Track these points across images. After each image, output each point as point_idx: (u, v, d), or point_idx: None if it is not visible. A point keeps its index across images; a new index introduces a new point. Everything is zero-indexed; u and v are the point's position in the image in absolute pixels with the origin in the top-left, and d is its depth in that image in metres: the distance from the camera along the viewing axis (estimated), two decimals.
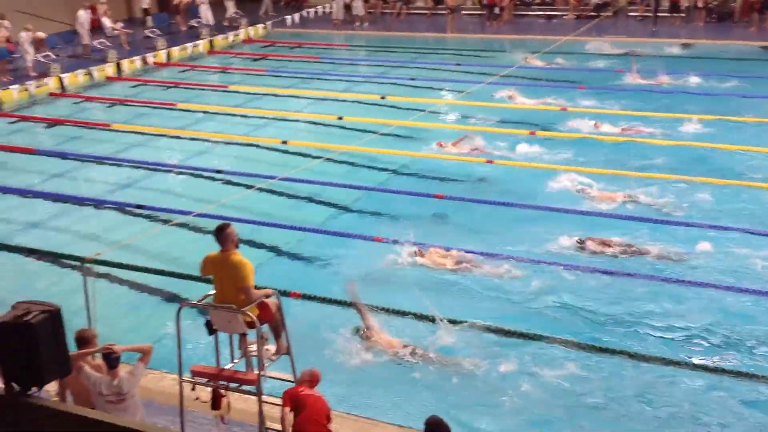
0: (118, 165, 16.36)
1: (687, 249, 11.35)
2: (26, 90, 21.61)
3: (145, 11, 29.53)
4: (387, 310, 9.90)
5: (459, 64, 23.45)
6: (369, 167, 15.52)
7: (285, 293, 9.89)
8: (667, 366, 8.79)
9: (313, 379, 7.21)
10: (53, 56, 24.32)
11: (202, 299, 7.32)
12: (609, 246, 11.39)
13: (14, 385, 4.54)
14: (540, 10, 30.92)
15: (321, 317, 9.95)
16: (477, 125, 17.57)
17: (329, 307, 10.19)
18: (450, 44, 26.74)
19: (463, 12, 31.07)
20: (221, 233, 7.10)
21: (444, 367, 8.87)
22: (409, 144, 16.66)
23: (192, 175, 15.53)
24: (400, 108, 19.06)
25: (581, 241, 11.50)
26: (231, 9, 30.08)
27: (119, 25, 26.88)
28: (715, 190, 13.46)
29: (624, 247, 11.37)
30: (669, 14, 27.97)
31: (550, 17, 30.26)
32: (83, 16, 25.26)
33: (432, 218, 12.92)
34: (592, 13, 29.00)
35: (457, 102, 18.55)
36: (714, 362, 8.84)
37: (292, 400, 6.95)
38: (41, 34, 24.46)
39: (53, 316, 4.56)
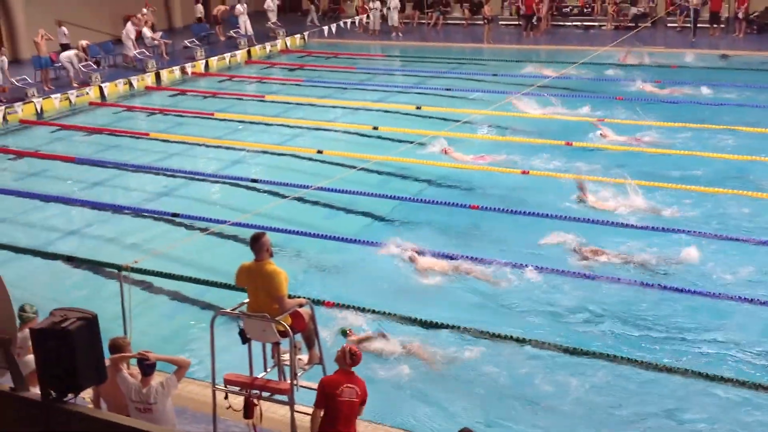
0: (156, 173, 16.56)
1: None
2: (67, 99, 21.99)
3: (199, 20, 29.92)
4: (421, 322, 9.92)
5: (495, 75, 23.38)
6: (404, 177, 15.51)
7: (318, 302, 9.93)
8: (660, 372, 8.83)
9: (354, 361, 6.89)
10: (94, 66, 24.72)
11: (237, 308, 7.37)
12: (602, 254, 11.44)
13: (51, 391, 4.60)
14: (578, 20, 30.73)
15: (352, 327, 9.93)
16: (513, 135, 17.49)
17: (362, 317, 10.18)
18: (486, 54, 26.68)
19: (501, 22, 30.97)
20: (256, 242, 7.16)
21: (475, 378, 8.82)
22: (439, 155, 16.58)
23: (228, 184, 15.66)
24: (436, 118, 19.05)
25: (578, 250, 11.57)
26: (272, 18, 30.28)
27: (159, 35, 27.23)
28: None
29: (619, 256, 11.40)
30: (708, 25, 27.62)
31: (587, 28, 30.07)
32: (130, 27, 25.61)
33: (465, 228, 12.87)
34: (631, 24, 28.75)
35: (493, 113, 18.47)
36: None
37: (327, 399, 6.84)
38: (84, 42, 24.85)
39: (90, 323, 4.61)
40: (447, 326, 9.83)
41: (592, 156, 15.97)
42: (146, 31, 26.60)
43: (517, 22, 30.65)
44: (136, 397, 6.89)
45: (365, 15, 30.94)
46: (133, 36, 25.77)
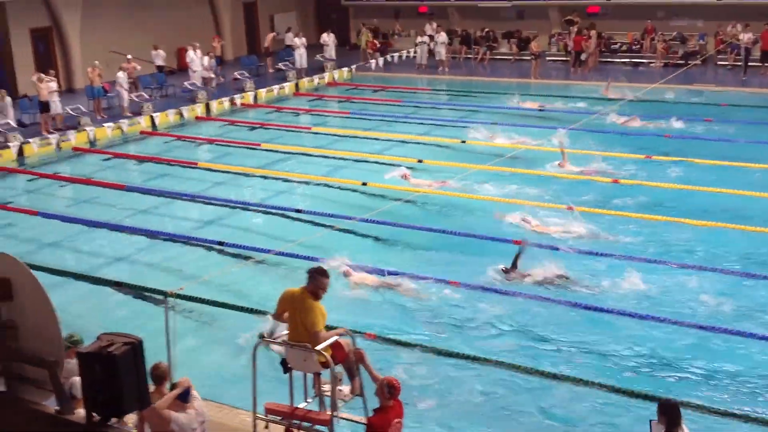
0: (203, 202, 16.80)
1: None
2: (119, 128, 22.48)
3: (266, 50, 30.46)
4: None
5: (542, 109, 23.33)
6: (448, 210, 15.50)
7: (359, 333, 9.91)
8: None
9: (393, 394, 6.86)
10: (146, 96, 25.29)
11: (279, 337, 7.41)
12: (529, 275, 12.09)
13: (95, 414, 4.66)
14: (626, 57, 30.59)
15: (394, 358, 9.91)
16: (557, 171, 17.40)
17: (404, 351, 10.14)
18: (533, 90, 26.64)
19: (548, 58, 30.98)
20: (314, 275, 7.15)
21: None
22: (485, 188, 16.55)
23: (273, 213, 15.80)
24: (481, 152, 19.03)
25: (506, 270, 12.25)
26: (328, 52, 30.66)
27: (208, 61, 27.62)
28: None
29: (545, 277, 12.03)
30: (760, 63, 27.28)
31: (636, 65, 29.91)
32: (192, 55, 26.14)
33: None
34: (680, 61, 28.54)
35: (537, 147, 18.42)
36: None
37: None
38: (136, 66, 25.41)
39: (135, 349, 4.68)
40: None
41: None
42: (206, 61, 27.10)
43: (564, 58, 30.63)
44: (196, 424, 6.98)
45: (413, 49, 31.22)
46: (196, 66, 26.30)
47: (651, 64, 29.48)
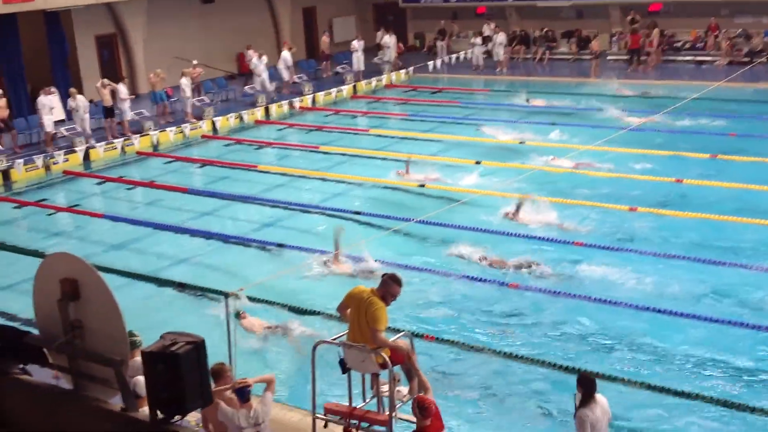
0: (263, 204, 17.00)
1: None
2: (181, 132, 22.91)
3: (323, 53, 30.80)
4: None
5: (600, 109, 22.99)
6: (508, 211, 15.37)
7: (418, 336, 9.92)
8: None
9: (425, 414, 6.80)
10: (207, 100, 25.72)
11: (338, 337, 7.46)
12: (504, 263, 12.77)
13: (158, 412, 4.75)
14: (690, 55, 29.93)
15: (452, 361, 9.88)
16: (620, 172, 17.12)
17: (463, 353, 10.11)
18: (593, 89, 26.27)
19: (609, 57, 30.48)
20: (388, 280, 7.21)
21: None
22: (546, 188, 16.38)
23: (331, 215, 15.89)
24: (540, 153, 18.84)
25: (483, 258, 12.92)
26: (387, 55, 30.77)
27: (291, 59, 27.98)
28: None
29: (518, 264, 12.68)
30: None
31: (700, 63, 29.24)
32: (287, 55, 26.55)
33: (571, 263, 12.66)
34: (745, 59, 27.81)
35: (598, 148, 18.16)
36: None
37: None
38: (199, 69, 25.83)
39: (197, 348, 4.76)
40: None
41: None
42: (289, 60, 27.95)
43: (625, 57, 30.10)
44: (245, 423, 7.11)
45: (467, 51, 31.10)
46: (290, 64, 26.76)
47: (715, 62, 28.79)
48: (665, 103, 21.98)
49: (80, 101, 21.85)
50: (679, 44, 30.42)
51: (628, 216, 14.64)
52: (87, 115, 22.06)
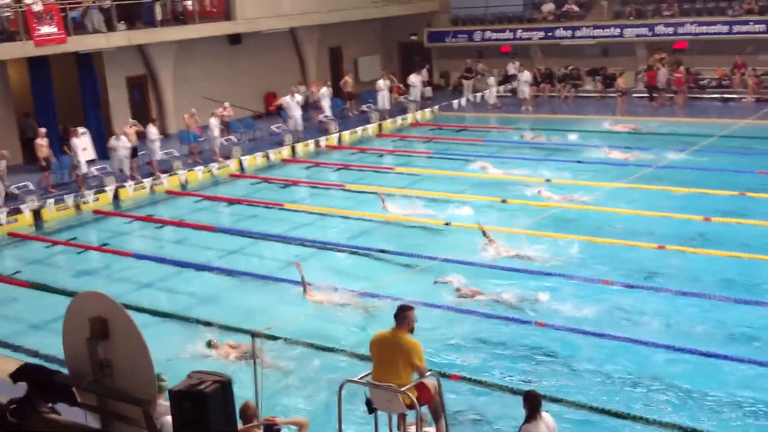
0: (289, 243, 17.09)
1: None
2: (209, 171, 23.18)
3: (348, 92, 31.14)
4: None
5: (628, 147, 22.93)
6: (532, 249, 15.32)
7: (445, 375, 9.86)
8: None
9: None
10: (235, 140, 26.04)
11: (364, 377, 7.45)
12: (480, 294, 13.08)
13: None
14: (716, 93, 29.81)
15: (480, 401, 9.80)
16: (648, 209, 17.03)
17: (489, 393, 10.03)
18: (619, 127, 26.24)
19: (634, 95, 30.43)
20: (401, 313, 7.29)
21: None
22: (571, 226, 16.33)
23: (357, 253, 15.93)
24: (566, 191, 18.81)
25: (458, 289, 13.18)
26: (412, 94, 31.06)
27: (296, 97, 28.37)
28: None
29: (493, 296, 12.98)
30: None
31: (726, 100, 29.12)
32: (288, 100, 26.92)
33: (597, 301, 12.56)
34: None
35: (626, 185, 18.10)
36: None
37: None
38: (229, 111, 26.14)
39: (224, 387, 4.77)
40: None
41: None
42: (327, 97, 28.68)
43: (653, 95, 29.99)
44: None
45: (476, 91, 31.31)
46: (296, 112, 27.00)
47: (742, 100, 28.66)
48: (693, 140, 21.90)
49: (122, 141, 22.24)
50: (704, 82, 30.35)
51: (656, 254, 14.54)
52: (127, 155, 22.43)
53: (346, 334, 12.03)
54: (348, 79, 31.23)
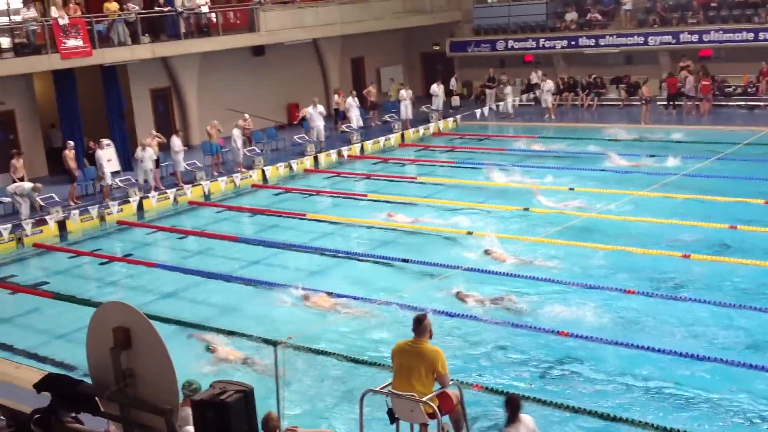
0: (311, 252, 17.11)
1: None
2: (232, 182, 23.30)
3: (371, 102, 31.23)
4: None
5: (653, 156, 22.76)
6: (554, 258, 15.25)
7: (467, 385, 9.81)
8: None
9: None
10: (257, 150, 26.17)
11: (386, 386, 7.43)
12: (479, 299, 13.26)
13: None
14: (741, 100, 29.52)
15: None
16: (673, 218, 16.88)
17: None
18: (643, 136, 26.07)
19: (659, 103, 30.19)
20: (420, 324, 7.32)
21: None
22: (594, 235, 16.23)
23: (379, 263, 15.92)
24: (590, 200, 18.71)
25: (459, 294, 13.37)
26: (435, 104, 31.10)
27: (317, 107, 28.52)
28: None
29: (492, 300, 13.19)
30: None
31: (752, 108, 28.83)
32: (311, 111, 27.03)
33: (624, 310, 12.46)
34: None
35: (650, 194, 17.96)
36: None
37: None
38: (249, 123, 26.25)
39: (246, 396, 4.79)
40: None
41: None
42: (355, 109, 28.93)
43: (678, 103, 29.73)
44: None
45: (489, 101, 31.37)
46: (318, 122, 27.09)
47: None
48: (718, 148, 21.71)
49: (148, 152, 22.43)
50: (730, 89, 30.08)
51: (681, 263, 14.40)
52: (152, 166, 22.62)
53: (368, 344, 11.99)
54: (371, 89, 31.32)
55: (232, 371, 11.30)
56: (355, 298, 13.67)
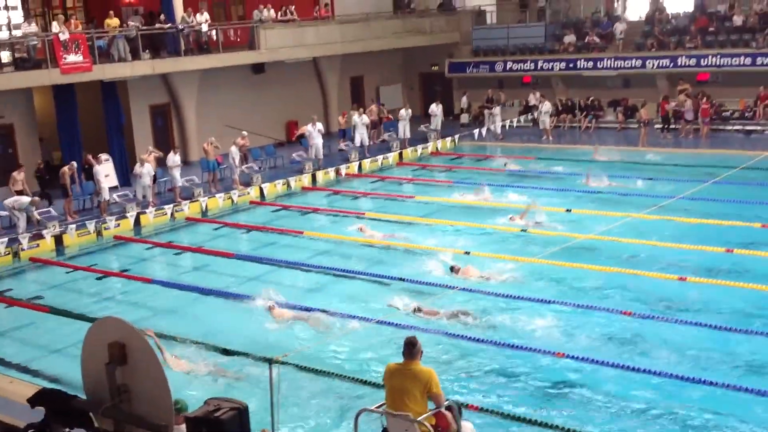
0: (308, 270, 17.09)
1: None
2: (230, 198, 23.31)
3: (373, 122, 31.14)
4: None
5: (651, 179, 22.81)
6: (553, 280, 15.25)
7: (463, 405, 9.77)
8: None
9: None
10: (255, 167, 26.20)
11: (380, 405, 7.42)
12: (437, 313, 13.49)
13: None
14: (738, 124, 29.64)
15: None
16: (664, 241, 16.91)
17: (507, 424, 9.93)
18: (640, 158, 26.15)
19: (656, 126, 30.30)
20: (414, 347, 7.39)
21: None
22: (591, 256, 16.24)
23: (375, 282, 15.90)
24: (587, 222, 18.74)
25: (418, 309, 13.65)
26: (434, 124, 31.21)
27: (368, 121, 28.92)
28: None
29: (449, 314, 13.43)
30: None
31: (749, 132, 28.94)
32: (310, 128, 27.08)
33: (629, 337, 12.45)
34: None
35: (647, 216, 17.99)
36: None
37: None
38: (245, 141, 26.26)
39: (240, 414, 4.79)
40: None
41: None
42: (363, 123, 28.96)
43: (674, 126, 29.86)
44: None
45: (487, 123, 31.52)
46: (316, 140, 27.12)
47: (765, 132, 28.47)
48: (715, 171, 21.78)
49: (147, 168, 22.48)
50: (727, 113, 30.21)
51: (677, 285, 14.41)
52: (150, 182, 22.65)
53: (366, 360, 11.96)
54: (373, 108, 31.42)
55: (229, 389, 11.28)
56: (320, 310, 14.03)
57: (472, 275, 15.34)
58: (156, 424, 5.01)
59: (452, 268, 15.65)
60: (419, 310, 13.62)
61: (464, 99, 34.00)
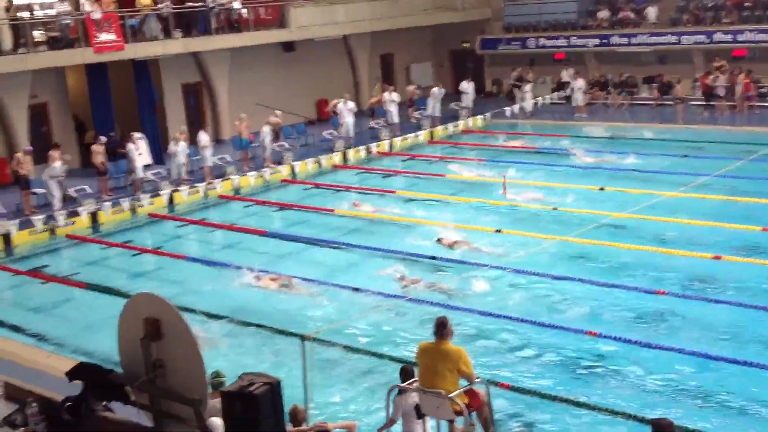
0: (339, 248, 17.14)
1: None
2: (261, 177, 23.41)
3: (409, 100, 31.02)
4: None
5: (686, 156, 22.51)
6: (583, 258, 15.16)
7: (494, 383, 9.78)
8: None
9: None
10: (287, 146, 26.26)
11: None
12: (418, 281, 14.11)
13: None
14: None
15: (528, 410, 9.70)
16: (702, 219, 16.70)
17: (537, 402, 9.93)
18: (677, 135, 25.77)
19: (691, 103, 29.79)
20: (444, 327, 7.38)
21: None
22: (625, 235, 16.10)
23: (407, 260, 15.91)
24: (620, 200, 18.55)
25: (402, 278, 14.27)
26: (465, 101, 30.98)
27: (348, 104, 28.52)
28: None
29: (429, 284, 13.94)
30: None
31: None
32: (341, 107, 27.01)
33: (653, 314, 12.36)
34: None
35: (682, 194, 17.77)
36: None
37: None
38: (278, 119, 26.24)
39: (274, 388, 4.83)
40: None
41: None
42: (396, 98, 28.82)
43: (712, 103, 29.33)
44: None
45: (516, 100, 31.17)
46: (348, 118, 27.01)
47: None
48: (752, 149, 21.43)
49: (181, 146, 22.66)
50: (764, 90, 29.62)
51: (712, 264, 14.24)
52: (184, 160, 22.84)
53: (397, 338, 12.01)
54: (413, 89, 31.20)
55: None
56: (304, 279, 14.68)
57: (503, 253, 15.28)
58: (190, 398, 5.08)
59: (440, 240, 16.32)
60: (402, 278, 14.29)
61: (514, 74, 33.09)
